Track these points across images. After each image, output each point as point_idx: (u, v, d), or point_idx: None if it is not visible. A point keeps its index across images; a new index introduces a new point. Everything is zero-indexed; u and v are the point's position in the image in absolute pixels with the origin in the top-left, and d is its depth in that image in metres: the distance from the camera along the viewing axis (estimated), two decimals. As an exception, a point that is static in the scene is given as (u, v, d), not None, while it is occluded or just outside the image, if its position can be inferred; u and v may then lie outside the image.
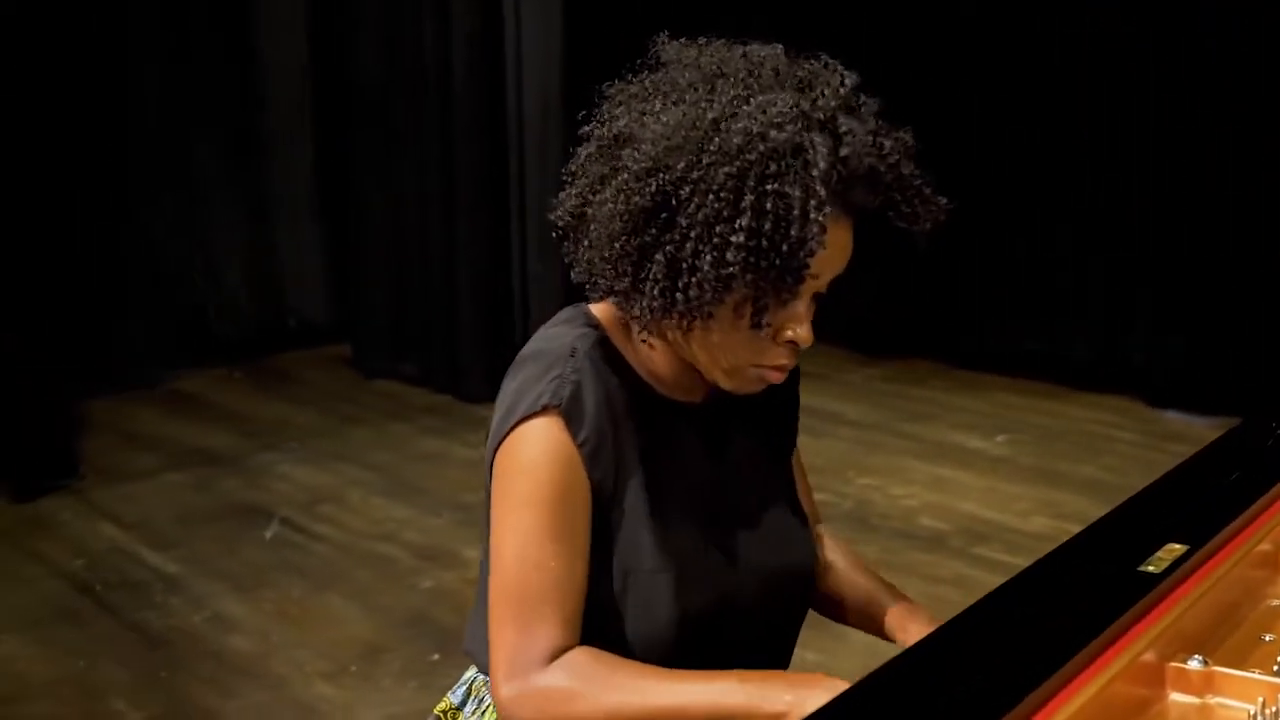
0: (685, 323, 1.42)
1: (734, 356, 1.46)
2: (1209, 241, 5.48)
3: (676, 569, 1.48)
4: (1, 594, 4.00)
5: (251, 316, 6.66)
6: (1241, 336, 5.39)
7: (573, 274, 1.51)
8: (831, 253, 1.41)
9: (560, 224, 1.51)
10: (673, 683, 1.38)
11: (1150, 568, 1.31)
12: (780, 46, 1.51)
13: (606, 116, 1.49)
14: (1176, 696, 1.25)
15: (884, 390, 6.11)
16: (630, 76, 1.52)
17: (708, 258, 1.36)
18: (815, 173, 1.36)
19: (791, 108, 1.39)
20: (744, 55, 1.48)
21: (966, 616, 1.24)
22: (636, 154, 1.40)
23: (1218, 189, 5.40)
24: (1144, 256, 5.70)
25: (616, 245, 1.41)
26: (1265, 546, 1.49)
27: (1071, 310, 6.02)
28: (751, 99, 1.40)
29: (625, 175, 1.40)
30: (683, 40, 1.54)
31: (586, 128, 1.51)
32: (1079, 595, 1.29)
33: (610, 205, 1.41)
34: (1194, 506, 1.49)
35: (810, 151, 1.37)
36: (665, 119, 1.41)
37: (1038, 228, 6.05)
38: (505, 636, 1.41)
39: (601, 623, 1.48)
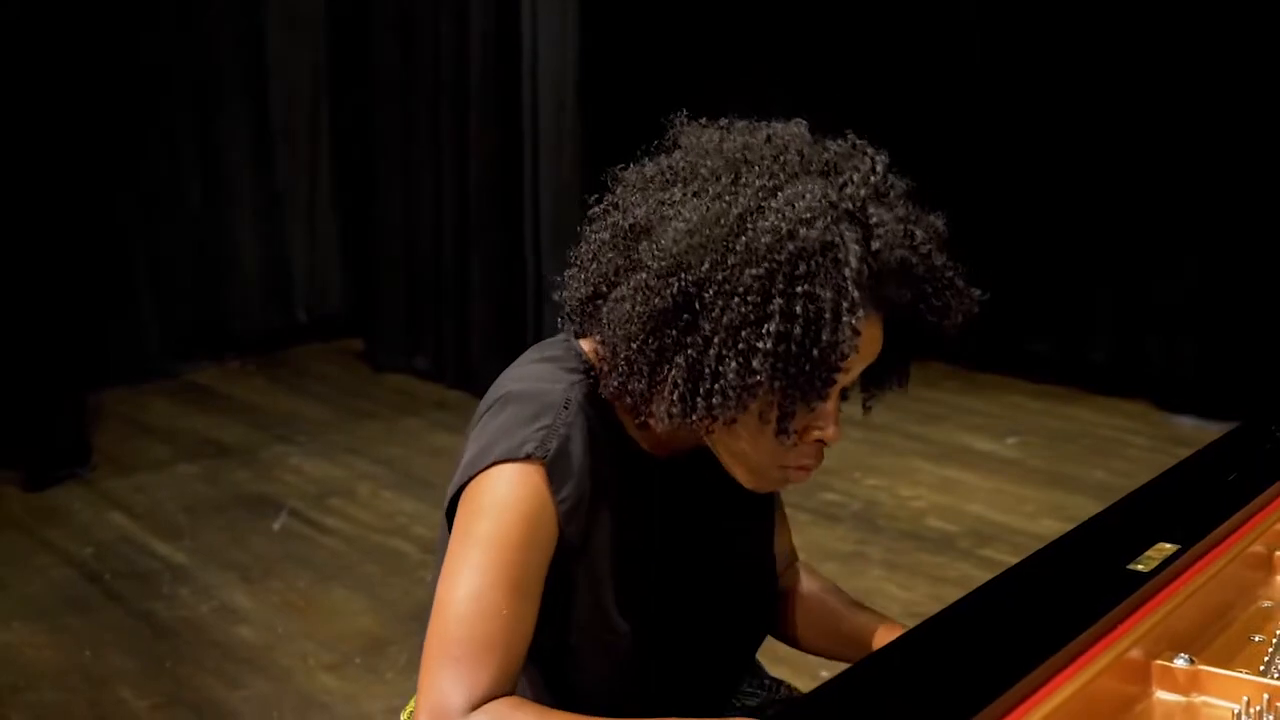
0: (705, 426, 1.35)
1: (759, 459, 1.40)
2: (1225, 246, 5.47)
3: (633, 626, 1.43)
4: (11, 582, 4.02)
5: (265, 310, 6.68)
6: (1256, 342, 5.37)
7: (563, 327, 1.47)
8: (863, 351, 1.34)
9: (567, 309, 1.45)
10: None
11: (1139, 566, 1.31)
12: (804, 124, 1.43)
13: (622, 203, 1.41)
14: (1162, 695, 1.25)
15: (894, 392, 6.09)
16: (646, 160, 1.45)
17: (733, 364, 1.29)
18: (847, 272, 1.28)
19: (820, 199, 1.31)
20: (768, 140, 1.39)
21: (954, 609, 1.24)
22: (656, 250, 1.33)
23: (1234, 192, 5.39)
24: (1160, 260, 5.69)
25: (634, 345, 1.33)
26: (1258, 548, 1.49)
27: (1086, 313, 6.01)
28: (779, 192, 1.32)
29: (644, 274, 1.33)
30: (702, 121, 1.46)
31: (597, 208, 1.44)
32: (1067, 591, 1.29)
33: (628, 305, 1.34)
34: (1187, 506, 1.49)
35: (841, 249, 1.29)
36: (687, 213, 1.33)
37: (1053, 230, 6.04)
38: (437, 682, 1.33)
39: (550, 673, 1.44)
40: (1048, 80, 5.92)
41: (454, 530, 1.40)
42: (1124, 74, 5.66)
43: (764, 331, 1.28)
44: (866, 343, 1.34)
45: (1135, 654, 1.23)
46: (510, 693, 1.35)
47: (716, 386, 1.30)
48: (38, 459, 4.85)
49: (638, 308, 1.33)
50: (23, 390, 4.90)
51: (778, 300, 1.28)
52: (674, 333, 1.32)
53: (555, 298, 1.47)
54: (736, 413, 1.32)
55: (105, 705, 3.33)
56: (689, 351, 1.32)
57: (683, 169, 1.39)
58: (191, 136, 6.31)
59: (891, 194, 1.37)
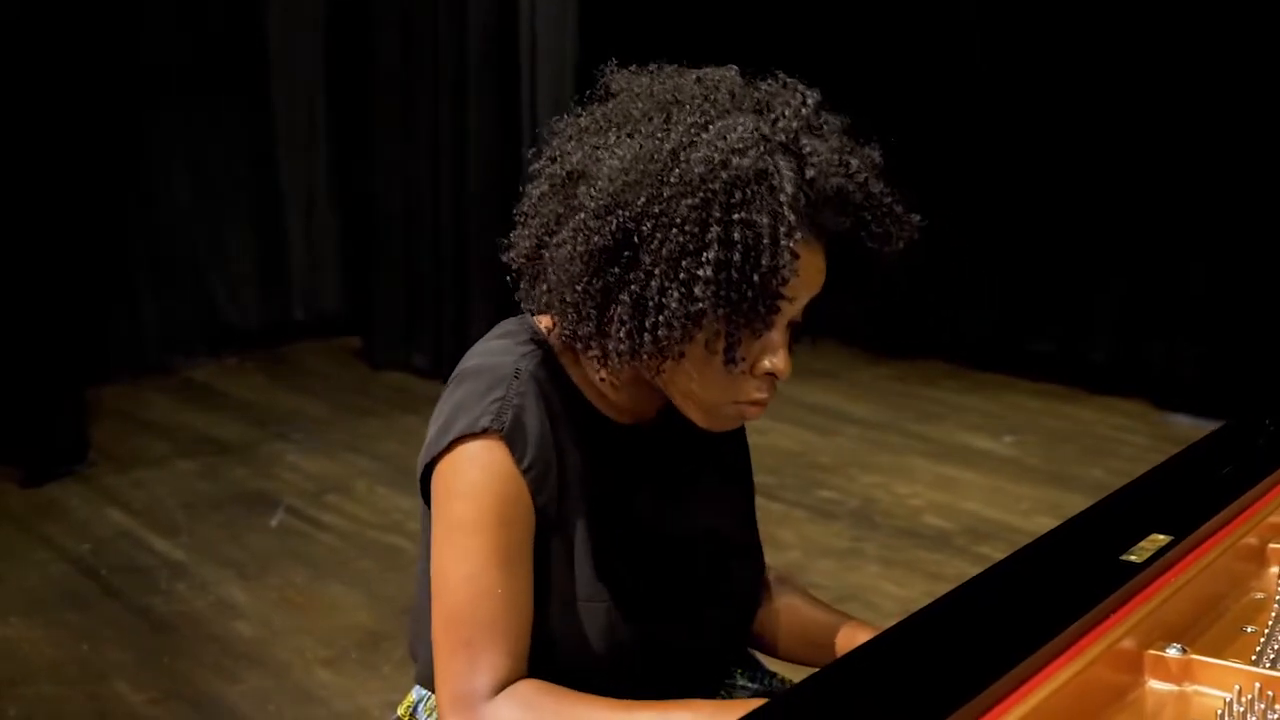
0: (655, 364, 1.37)
1: (710, 394, 1.41)
2: (1227, 247, 5.47)
3: (613, 599, 1.44)
4: (8, 577, 4.03)
5: (263, 307, 6.68)
6: (1256, 344, 5.38)
7: (521, 303, 1.47)
8: (804, 278, 1.36)
9: (514, 266, 1.46)
10: (622, 714, 1.34)
11: (1133, 557, 1.32)
12: (735, 68, 1.46)
13: (558, 153, 1.43)
14: (1154, 684, 1.25)
15: (893, 390, 6.11)
16: (579, 109, 1.47)
17: (675, 294, 1.31)
18: (782, 197, 1.31)
19: (752, 131, 1.34)
20: (698, 80, 1.42)
21: (950, 598, 1.25)
22: (593, 191, 1.35)
23: (1236, 193, 5.39)
24: (1163, 260, 5.69)
25: (578, 288, 1.35)
26: (1251, 540, 1.50)
27: (1087, 312, 6.01)
28: (710, 125, 1.35)
29: (582, 215, 1.35)
30: (632, 68, 1.48)
31: (536, 165, 1.46)
32: (1061, 581, 1.29)
33: (569, 247, 1.35)
34: (1181, 499, 1.50)
35: (775, 176, 1.32)
36: (621, 152, 1.36)
37: (1055, 230, 6.04)
38: (452, 668, 1.36)
39: (536, 650, 1.44)
40: (1049, 79, 5.93)
41: (434, 517, 1.43)
42: (1124, 74, 5.67)
43: (704, 260, 1.30)
44: (808, 271, 1.37)
45: (1128, 643, 1.23)
46: (525, 670, 1.38)
47: (661, 319, 1.32)
48: (36, 455, 4.85)
49: (578, 248, 1.34)
50: (21, 387, 4.90)
51: (715, 228, 1.30)
52: (616, 270, 1.34)
53: (503, 258, 1.47)
54: (683, 344, 1.34)
55: (103, 699, 3.33)
56: (632, 287, 1.33)
57: (615, 114, 1.42)
58: (189, 133, 6.31)
59: (825, 127, 1.40)
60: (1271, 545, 1.52)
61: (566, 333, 1.40)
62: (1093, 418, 5.65)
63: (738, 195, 1.31)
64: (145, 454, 5.14)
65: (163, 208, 6.23)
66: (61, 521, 4.47)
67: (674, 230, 1.31)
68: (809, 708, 1.09)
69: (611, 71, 1.48)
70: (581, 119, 1.45)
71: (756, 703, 1.29)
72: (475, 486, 1.38)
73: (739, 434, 1.66)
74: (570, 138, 1.43)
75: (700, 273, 1.30)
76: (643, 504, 1.51)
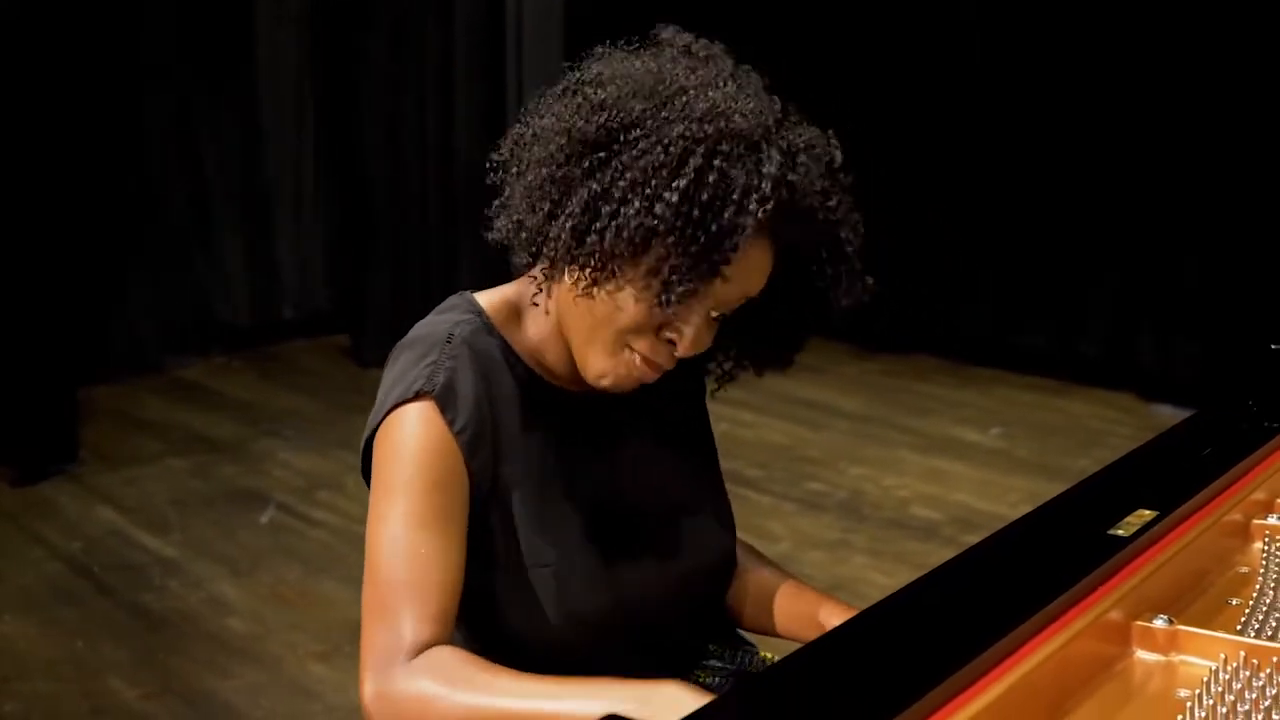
0: (590, 276, 1.36)
1: (617, 330, 1.39)
2: (1219, 242, 5.49)
3: (561, 565, 1.43)
4: (2, 575, 4.03)
5: (253, 306, 6.69)
6: (1246, 337, 5.39)
7: (492, 230, 1.46)
8: (749, 267, 1.38)
9: (499, 159, 1.46)
10: (531, 685, 1.29)
11: (1120, 531, 1.34)
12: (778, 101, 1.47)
13: (585, 68, 1.45)
14: (1142, 654, 1.27)
15: (882, 384, 6.14)
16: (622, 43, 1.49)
17: (635, 204, 1.32)
18: (764, 170, 1.34)
19: (764, 114, 1.38)
20: (740, 64, 1.46)
21: (942, 571, 1.27)
22: (599, 90, 1.38)
23: (1227, 188, 5.41)
24: (1154, 255, 5.72)
25: (544, 171, 1.37)
26: (1236, 516, 1.52)
27: (1079, 307, 6.04)
28: (729, 83, 1.39)
29: (579, 99, 1.38)
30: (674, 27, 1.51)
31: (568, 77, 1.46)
32: (1049, 555, 1.32)
33: (553, 123, 1.38)
34: (1167, 476, 1.52)
35: (764, 156, 1.35)
36: (639, 65, 1.40)
37: (1045, 225, 6.06)
38: (371, 629, 1.34)
39: (489, 620, 1.44)
40: (1040, 75, 5.94)
41: (371, 483, 1.43)
42: (1116, 69, 5.69)
43: (674, 185, 1.32)
44: (755, 263, 1.39)
45: (1116, 615, 1.25)
46: (449, 633, 1.36)
47: (614, 224, 1.33)
48: (28, 454, 4.85)
49: (562, 126, 1.37)
50: (13, 386, 4.91)
51: (695, 161, 1.32)
52: (588, 164, 1.35)
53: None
54: (621, 260, 1.34)
55: (97, 695, 3.35)
56: (594, 186, 1.34)
57: (650, 51, 1.45)
58: (179, 133, 6.31)
59: (829, 167, 1.43)
60: (1255, 521, 1.54)
61: (511, 225, 1.40)
62: (1082, 410, 5.68)
63: (726, 147, 1.33)
64: (136, 452, 5.15)
65: (152, 208, 6.23)
66: (54, 520, 4.47)
67: (658, 147, 1.33)
68: (791, 686, 1.10)
69: (662, 28, 1.49)
70: (619, 51, 1.47)
71: (678, 690, 1.24)
72: (404, 448, 1.38)
73: (693, 401, 1.66)
74: (599, 58, 1.46)
75: (666, 194, 1.32)
76: (588, 469, 1.50)
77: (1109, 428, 5.44)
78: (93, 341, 5.80)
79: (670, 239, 1.32)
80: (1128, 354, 5.88)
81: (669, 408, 1.60)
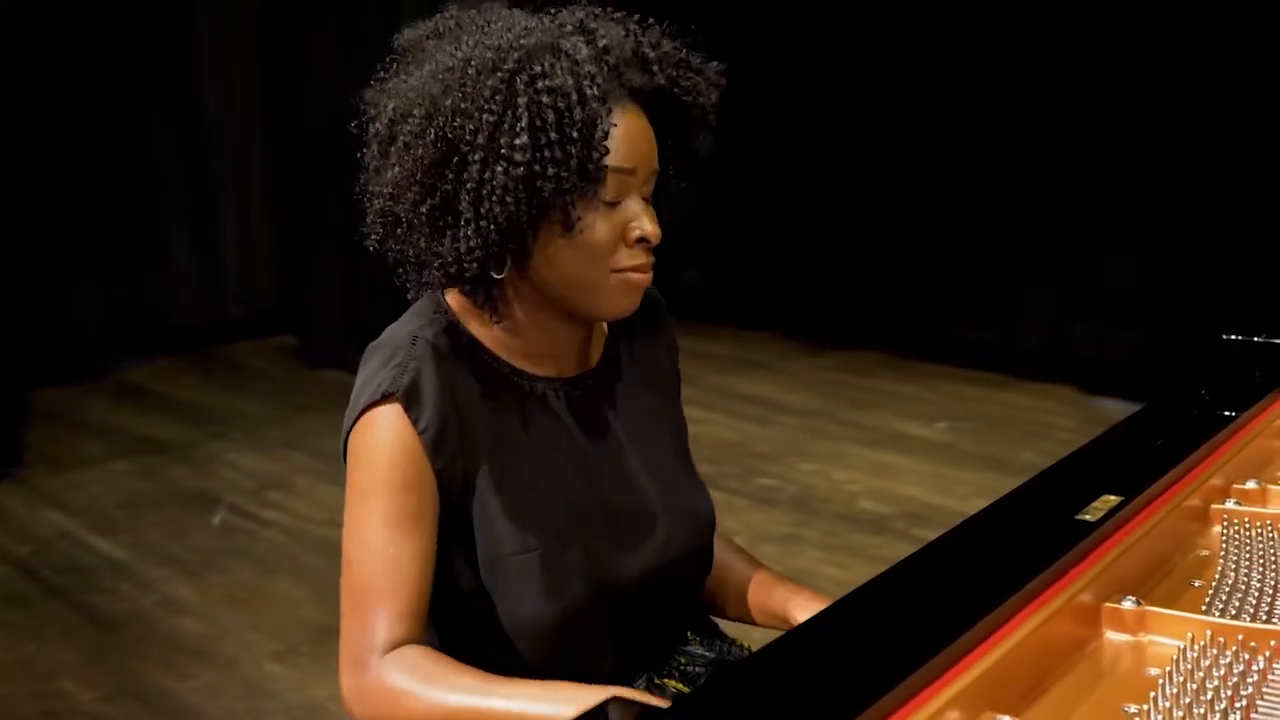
0: (516, 255, 1.41)
1: (587, 271, 1.43)
2: (1159, 235, 5.57)
3: (543, 553, 1.44)
4: (-52, 580, 4.00)
5: (198, 307, 6.64)
6: (1179, 326, 5.48)
7: (409, 290, 1.50)
8: (633, 141, 1.41)
9: (376, 240, 1.49)
10: (496, 686, 1.33)
11: (1087, 516, 1.37)
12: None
13: (376, 115, 1.48)
14: (1112, 635, 1.30)
15: (829, 380, 6.18)
16: (380, 76, 1.52)
17: (500, 169, 1.35)
18: (580, 57, 1.38)
19: (536, 23, 1.44)
20: (478, 12, 1.49)
21: (913, 559, 1.29)
22: (409, 123, 1.40)
23: (1160, 180, 5.50)
24: (1089, 246, 5.80)
25: (423, 211, 1.40)
26: (1195, 501, 1.56)
27: (1017, 300, 6.11)
28: (493, 25, 1.44)
29: (404, 139, 1.40)
30: (414, 25, 1.54)
31: (365, 141, 1.51)
32: (1019, 540, 1.35)
33: (398, 169, 1.41)
34: (1128, 462, 1.56)
35: (568, 46, 1.39)
36: (420, 73, 1.42)
37: (985, 219, 6.13)
38: (347, 629, 1.39)
39: (472, 615, 1.45)
40: (981, 75, 6.02)
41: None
42: (1055, 67, 5.76)
43: (518, 130, 1.35)
44: (634, 135, 1.42)
45: (1086, 597, 1.28)
46: (421, 631, 1.40)
47: (495, 198, 1.36)
48: (-29, 459, 4.81)
49: (408, 168, 1.40)
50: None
51: (522, 99, 1.36)
52: (450, 175, 1.38)
53: (366, 245, 1.52)
54: (525, 218, 1.37)
55: (49, 698, 3.32)
56: (468, 185, 1.37)
57: (406, 60, 1.49)
58: (124, 133, 6.26)
59: (622, 20, 1.47)
60: (1214, 506, 1.58)
61: (433, 266, 1.43)
62: (1026, 404, 5.75)
63: (535, 67, 1.37)
64: (82, 455, 5.10)
65: (96, 208, 6.18)
66: (1, 523, 4.43)
67: (483, 115, 1.36)
68: (770, 674, 1.11)
69: (396, 38, 1.54)
70: (385, 82, 1.50)
71: (641, 696, 1.30)
72: (371, 451, 1.42)
73: (666, 386, 1.67)
74: (380, 94, 1.49)
75: (518, 141, 1.35)
76: (569, 455, 1.51)
77: (1052, 420, 5.51)
78: (37, 344, 5.74)
79: (550, 171, 1.36)
80: (1066, 347, 5.97)
81: (645, 394, 1.61)
